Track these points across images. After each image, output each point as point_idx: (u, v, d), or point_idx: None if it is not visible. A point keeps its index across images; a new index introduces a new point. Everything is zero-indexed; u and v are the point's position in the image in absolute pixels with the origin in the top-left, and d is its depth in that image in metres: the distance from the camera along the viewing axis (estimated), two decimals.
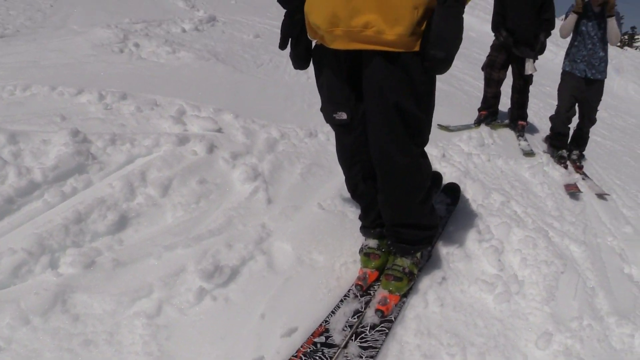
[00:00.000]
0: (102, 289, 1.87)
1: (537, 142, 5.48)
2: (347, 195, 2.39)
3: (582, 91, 4.82)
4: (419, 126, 1.92)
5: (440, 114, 5.14)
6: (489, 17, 5.65)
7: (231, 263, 2.09)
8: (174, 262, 2.07)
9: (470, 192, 3.26)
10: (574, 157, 5.00)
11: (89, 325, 1.73)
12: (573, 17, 4.68)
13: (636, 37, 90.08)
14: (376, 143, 1.95)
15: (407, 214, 2.07)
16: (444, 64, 1.74)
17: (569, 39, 4.95)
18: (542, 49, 5.12)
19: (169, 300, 1.88)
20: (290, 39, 1.96)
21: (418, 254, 2.18)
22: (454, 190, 3.01)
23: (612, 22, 4.50)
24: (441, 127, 4.90)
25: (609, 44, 4.70)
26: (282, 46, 1.98)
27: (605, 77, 4.82)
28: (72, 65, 4.17)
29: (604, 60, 4.72)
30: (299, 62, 2.04)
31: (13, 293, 1.78)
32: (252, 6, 9.28)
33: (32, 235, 1.99)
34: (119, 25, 5.42)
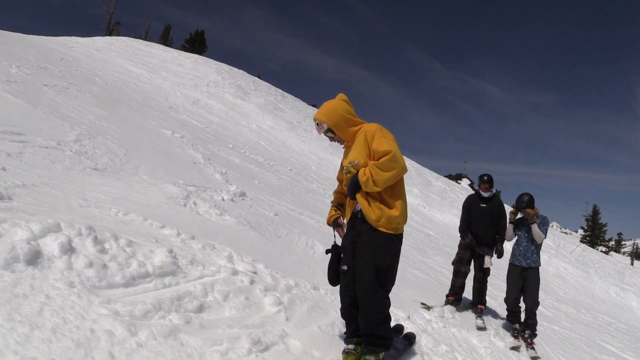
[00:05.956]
0: (195, 335, 3.17)
1: (493, 322, 6.73)
2: (338, 323, 3.77)
3: (523, 277, 6.45)
4: (385, 279, 3.43)
5: (416, 296, 6.62)
6: None
7: (267, 341, 3.41)
8: (232, 335, 3.37)
9: (424, 341, 4.59)
10: (526, 335, 6.26)
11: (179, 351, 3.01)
12: (510, 227, 6.65)
13: (623, 242, 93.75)
14: (360, 286, 3.42)
15: (372, 328, 3.45)
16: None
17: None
18: (500, 254, 6.79)
19: (232, 351, 3.16)
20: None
21: (381, 354, 3.47)
22: (411, 337, 4.34)
23: (534, 227, 6.36)
24: (424, 305, 6.28)
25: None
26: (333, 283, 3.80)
27: (539, 265, 6.53)
28: (153, 207, 5.76)
29: (536, 253, 6.47)
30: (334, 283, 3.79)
31: (143, 326, 3.08)
32: (271, 188, 11.25)
33: (154, 298, 3.35)
34: (181, 185, 7.14)
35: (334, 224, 3.80)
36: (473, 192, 7.50)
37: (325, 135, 3.67)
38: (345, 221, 3.77)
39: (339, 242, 3.82)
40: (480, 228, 6.83)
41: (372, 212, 3.39)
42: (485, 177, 6.92)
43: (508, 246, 6.94)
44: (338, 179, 3.93)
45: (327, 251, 3.86)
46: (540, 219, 6.41)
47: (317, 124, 3.61)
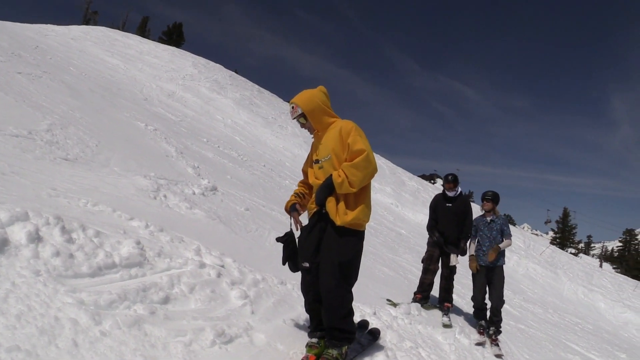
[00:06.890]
0: (159, 326, 3.23)
1: (459, 319, 6.86)
2: (303, 318, 3.86)
3: (488, 275, 6.63)
4: (349, 274, 3.54)
5: (384, 293, 6.72)
6: None
7: (232, 333, 3.48)
8: (197, 327, 3.44)
9: (388, 336, 4.71)
10: (491, 332, 6.43)
11: (146, 341, 3.07)
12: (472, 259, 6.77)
13: (592, 245, 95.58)
14: (324, 281, 3.51)
15: (335, 322, 3.55)
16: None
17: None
18: (463, 252, 6.90)
19: (195, 342, 3.23)
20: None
21: (343, 348, 3.58)
22: (375, 332, 4.46)
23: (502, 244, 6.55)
24: (390, 301, 6.39)
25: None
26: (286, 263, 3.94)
27: (504, 263, 6.70)
28: (123, 198, 5.77)
29: (500, 254, 6.61)
30: (294, 268, 3.93)
31: (108, 316, 3.13)
32: (243, 183, 11.28)
33: (120, 289, 3.40)
34: (152, 178, 7.15)
35: (291, 208, 3.83)
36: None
37: (297, 120, 3.74)
38: (299, 207, 3.82)
39: (293, 228, 3.89)
40: (446, 227, 6.97)
41: (339, 219, 3.49)
42: (450, 177, 7.05)
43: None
44: (303, 170, 4.02)
45: (278, 239, 3.96)
46: (500, 219, 6.62)
47: (292, 107, 3.68)
